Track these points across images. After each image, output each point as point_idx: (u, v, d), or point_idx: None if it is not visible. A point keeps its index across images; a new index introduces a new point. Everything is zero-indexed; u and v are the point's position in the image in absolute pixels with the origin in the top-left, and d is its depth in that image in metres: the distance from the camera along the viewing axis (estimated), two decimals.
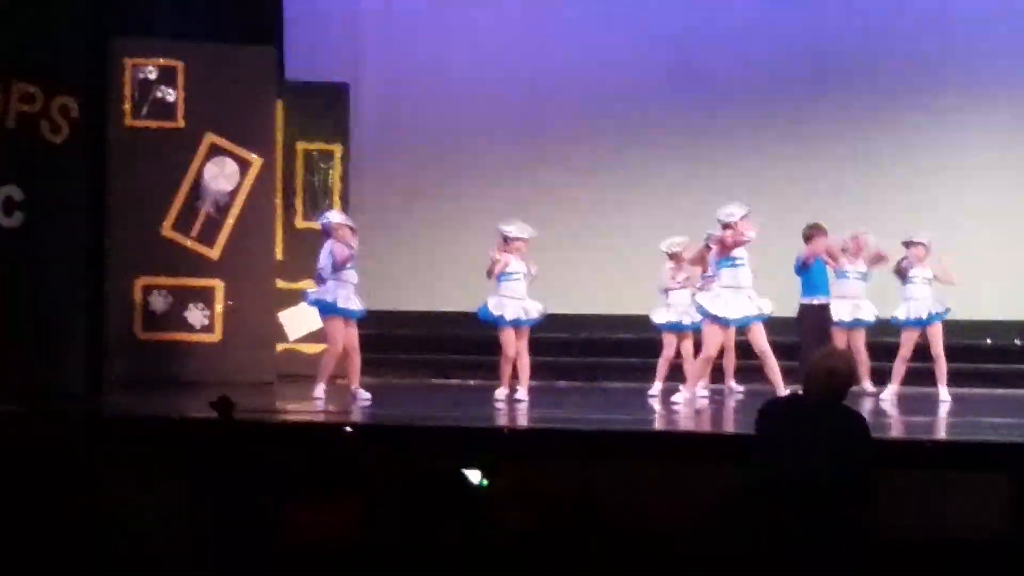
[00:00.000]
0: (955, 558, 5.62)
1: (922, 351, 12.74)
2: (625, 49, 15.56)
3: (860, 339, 13.11)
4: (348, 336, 12.21)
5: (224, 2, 14.37)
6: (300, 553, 5.27)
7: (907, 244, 12.82)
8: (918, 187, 15.39)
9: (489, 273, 12.37)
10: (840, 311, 13.02)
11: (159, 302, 13.68)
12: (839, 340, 12.56)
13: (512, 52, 15.60)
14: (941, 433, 11.10)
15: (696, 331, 12.92)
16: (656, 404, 12.44)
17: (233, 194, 13.77)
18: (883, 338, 13.29)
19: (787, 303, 12.78)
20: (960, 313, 13.10)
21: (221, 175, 13.75)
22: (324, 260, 12.14)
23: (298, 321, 13.99)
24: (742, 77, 15.50)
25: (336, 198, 14.25)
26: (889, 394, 12.71)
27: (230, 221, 13.76)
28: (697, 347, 12.84)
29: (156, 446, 8.97)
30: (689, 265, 13.15)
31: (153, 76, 13.68)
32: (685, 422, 11.42)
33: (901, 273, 12.82)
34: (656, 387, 12.98)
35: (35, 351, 12.35)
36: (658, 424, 11.34)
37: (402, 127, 15.50)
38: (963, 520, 8.26)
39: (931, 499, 8.61)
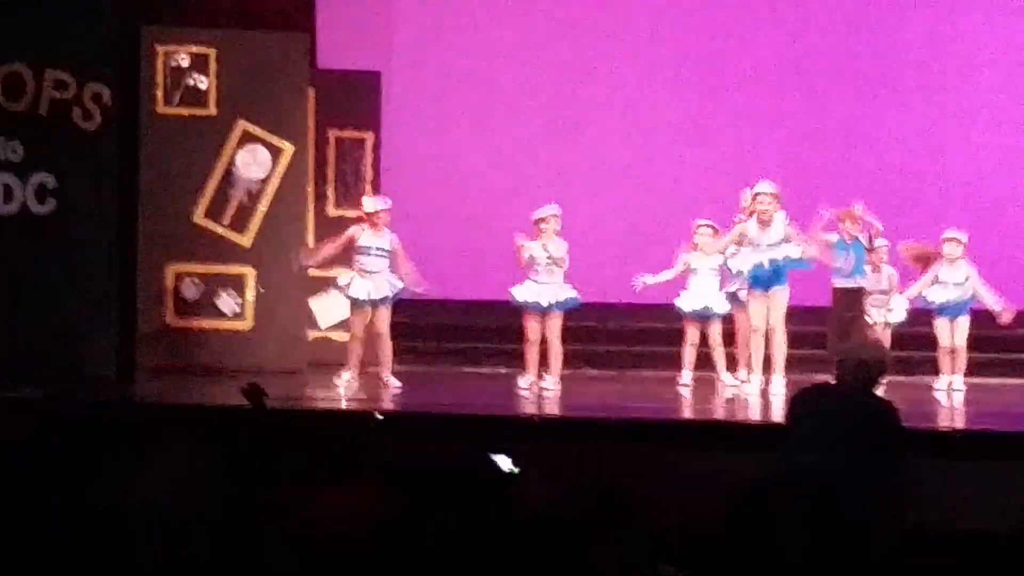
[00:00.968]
0: (980, 549, 5.58)
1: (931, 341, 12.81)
2: (661, 43, 15.46)
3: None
4: (376, 322, 12.26)
5: None
6: (325, 539, 5.27)
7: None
8: None
9: (518, 262, 12.40)
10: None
11: (191, 289, 13.68)
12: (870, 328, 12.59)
13: (545, 38, 15.52)
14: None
15: (723, 317, 12.88)
16: (687, 393, 12.45)
17: (265, 182, 13.76)
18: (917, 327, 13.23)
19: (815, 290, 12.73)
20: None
21: (253, 162, 13.74)
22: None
23: (329, 309, 13.99)
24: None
25: (368, 186, 14.23)
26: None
27: (262, 208, 13.76)
28: (725, 334, 12.81)
29: (187, 433, 8.99)
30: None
31: (185, 63, 13.67)
32: (718, 411, 11.43)
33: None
34: (686, 375, 12.92)
35: (67, 338, 12.42)
36: (687, 413, 11.35)
37: (434, 115, 15.45)
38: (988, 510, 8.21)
39: (956, 490, 8.57)
